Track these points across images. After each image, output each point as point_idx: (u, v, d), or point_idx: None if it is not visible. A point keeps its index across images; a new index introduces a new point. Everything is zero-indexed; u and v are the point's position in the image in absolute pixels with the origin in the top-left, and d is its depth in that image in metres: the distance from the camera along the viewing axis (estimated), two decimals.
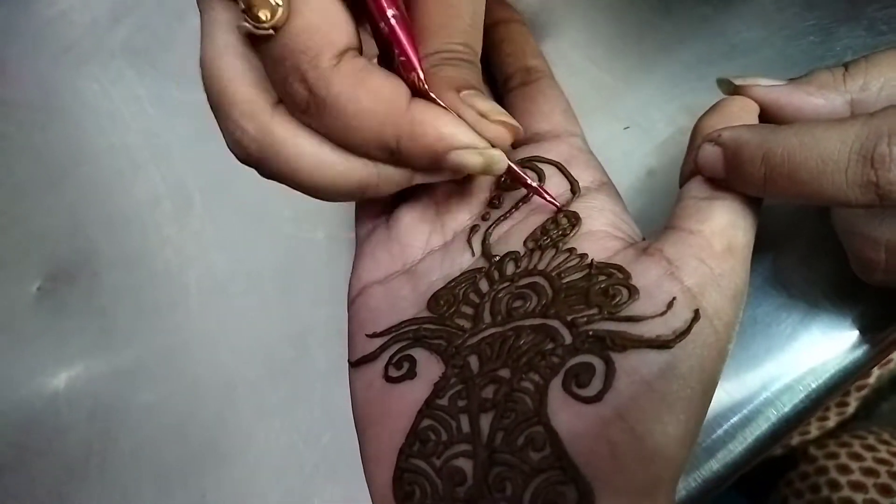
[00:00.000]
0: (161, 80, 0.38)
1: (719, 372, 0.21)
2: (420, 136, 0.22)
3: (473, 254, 0.25)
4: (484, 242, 0.25)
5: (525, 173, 0.25)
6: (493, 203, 0.26)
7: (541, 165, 0.26)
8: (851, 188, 0.19)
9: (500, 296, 0.23)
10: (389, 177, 0.23)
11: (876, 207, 0.20)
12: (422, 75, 0.22)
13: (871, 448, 0.54)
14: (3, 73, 0.39)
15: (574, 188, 0.25)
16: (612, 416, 0.19)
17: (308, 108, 0.21)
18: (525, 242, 0.24)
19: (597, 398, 0.19)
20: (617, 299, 0.21)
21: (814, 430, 0.58)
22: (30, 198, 0.36)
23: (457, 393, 0.21)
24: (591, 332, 0.20)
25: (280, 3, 0.19)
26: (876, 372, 0.53)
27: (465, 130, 0.22)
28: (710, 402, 0.20)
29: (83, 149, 0.38)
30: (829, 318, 0.27)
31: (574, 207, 0.25)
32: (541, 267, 0.23)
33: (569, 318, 0.21)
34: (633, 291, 0.21)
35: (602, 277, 0.21)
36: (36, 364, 0.33)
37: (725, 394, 0.27)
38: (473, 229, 0.26)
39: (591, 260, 0.22)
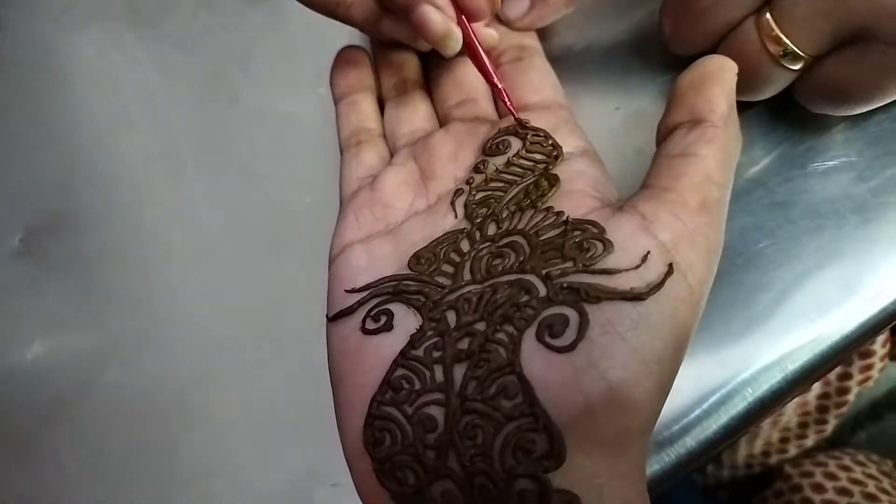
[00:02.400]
0: (162, 44, 0.38)
1: (692, 326, 0.21)
2: None
3: (456, 216, 0.25)
4: (467, 205, 0.25)
5: (492, 69, 0.27)
6: (477, 168, 0.26)
7: (522, 130, 0.26)
8: None
9: (480, 255, 0.23)
10: (362, 4, 0.26)
11: None
12: None
13: (846, 468, 0.54)
14: (3, 31, 0.39)
15: (557, 152, 0.25)
16: (584, 366, 0.19)
17: None
18: (507, 205, 0.25)
19: (570, 348, 0.19)
20: (591, 252, 0.21)
21: (792, 450, 0.58)
22: (21, 153, 0.36)
23: (432, 344, 0.21)
24: (565, 284, 0.20)
25: None
26: (854, 389, 0.53)
27: None
28: (682, 356, 0.20)
29: (80, 109, 0.38)
30: (810, 300, 0.27)
31: (555, 170, 0.25)
32: (520, 227, 0.23)
33: (544, 271, 0.21)
34: (607, 245, 0.21)
35: (577, 232, 0.21)
36: (14, 318, 0.33)
37: (704, 371, 0.27)
38: (457, 192, 0.26)
39: (567, 217, 0.22)
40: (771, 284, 0.27)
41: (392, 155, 0.29)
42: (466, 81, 0.30)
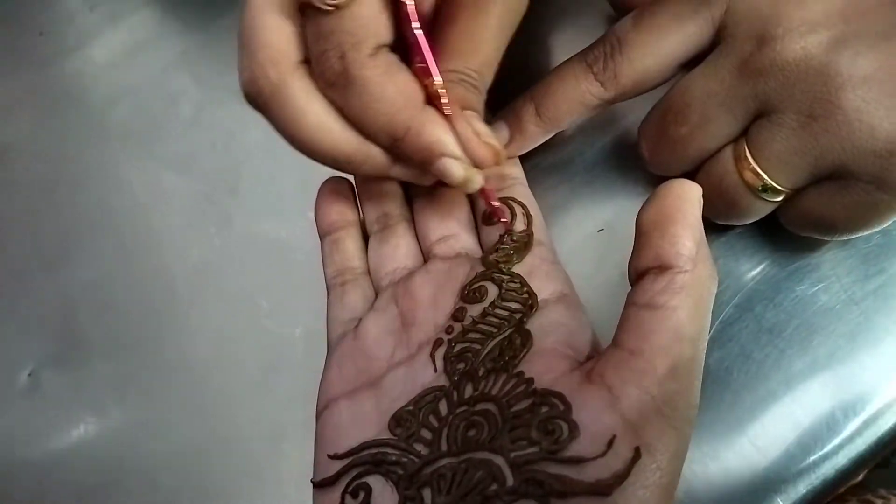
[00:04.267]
0: (153, 164, 0.39)
1: None
2: (424, 134, 0.24)
3: (436, 369, 0.26)
4: (446, 358, 0.26)
5: (500, 208, 0.28)
6: (455, 316, 0.27)
7: (499, 276, 0.26)
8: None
9: (456, 422, 0.23)
10: (374, 160, 0.26)
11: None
12: (438, 80, 0.24)
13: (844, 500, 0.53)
14: (5, 153, 0.41)
15: (532, 301, 0.25)
16: None
17: (336, 81, 0.23)
18: (483, 361, 0.25)
19: None
20: (557, 436, 0.20)
21: None
22: (22, 284, 0.38)
23: None
24: (531, 476, 0.20)
25: None
26: None
27: (457, 147, 0.25)
28: None
29: (75, 235, 0.39)
30: (803, 434, 0.27)
31: (530, 323, 0.25)
32: (493, 392, 0.23)
33: (512, 455, 0.21)
34: (573, 428, 0.20)
35: (545, 409, 0.21)
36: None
37: None
38: (437, 343, 0.26)
39: (534, 388, 0.22)
40: (760, 416, 0.27)
41: (377, 293, 0.30)
42: (448, 215, 0.30)
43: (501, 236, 0.28)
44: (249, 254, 0.35)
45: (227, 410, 0.33)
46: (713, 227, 0.29)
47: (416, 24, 0.24)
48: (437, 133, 0.25)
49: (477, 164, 0.26)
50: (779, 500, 0.26)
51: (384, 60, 0.24)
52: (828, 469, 0.26)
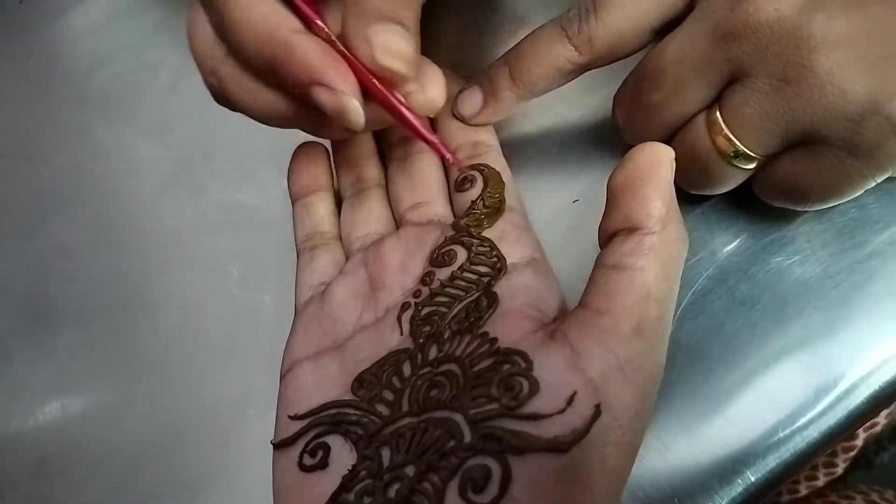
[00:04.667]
0: (130, 132, 0.39)
1: (626, 468, 0.20)
2: (290, 64, 0.22)
3: (402, 333, 0.25)
4: (412, 322, 0.25)
5: (422, 124, 0.25)
6: (424, 280, 0.26)
7: (469, 239, 0.26)
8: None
9: (419, 383, 0.23)
10: (303, 115, 0.25)
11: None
12: (319, 22, 0.23)
13: (849, 498, 0.53)
14: None
15: (501, 265, 0.25)
16: None
17: (220, 30, 0.24)
18: (449, 323, 0.24)
19: None
20: (517, 392, 0.20)
21: (803, 490, 0.56)
22: None
23: (363, 488, 0.21)
24: (489, 432, 0.20)
25: None
26: (862, 435, 0.52)
27: (334, 69, 0.22)
28: (619, 499, 0.20)
29: (52, 197, 0.38)
30: (775, 407, 0.26)
31: (498, 285, 0.24)
32: (457, 353, 0.23)
33: (471, 412, 0.20)
34: (533, 385, 0.20)
35: (506, 366, 0.21)
36: None
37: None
38: (404, 306, 0.26)
39: (498, 346, 0.22)
40: (732, 390, 0.26)
41: (347, 257, 0.29)
42: (421, 182, 0.29)
43: (473, 202, 0.27)
44: (222, 221, 0.35)
45: (195, 377, 0.32)
46: (688, 197, 0.28)
47: None
48: (303, 59, 0.22)
49: (387, 84, 0.23)
50: (749, 473, 0.26)
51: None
52: (798, 442, 0.26)
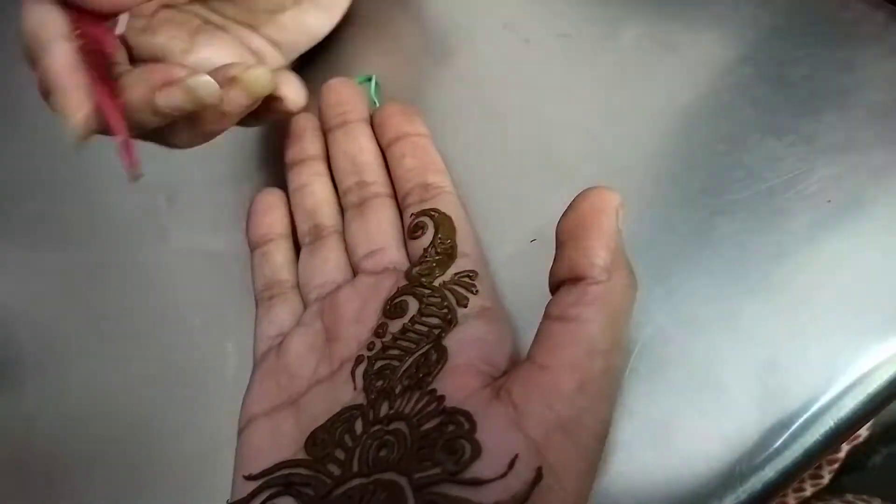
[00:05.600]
0: (94, 176, 0.39)
1: None
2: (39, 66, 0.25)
3: (356, 387, 0.25)
4: (366, 375, 0.25)
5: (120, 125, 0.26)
6: (377, 332, 0.26)
7: (420, 290, 0.26)
8: None
9: (369, 442, 0.23)
10: None
11: None
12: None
13: None
14: None
15: (451, 316, 0.25)
16: None
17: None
18: (401, 378, 0.24)
19: None
20: (459, 456, 0.20)
21: (791, 501, 0.57)
22: None
23: None
24: (431, 499, 0.20)
25: None
26: (845, 447, 0.52)
27: (70, 80, 0.24)
28: None
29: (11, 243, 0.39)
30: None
31: (448, 338, 0.24)
32: (406, 410, 0.23)
33: (416, 476, 0.21)
34: (475, 448, 0.20)
35: (451, 427, 0.21)
36: None
37: None
38: (358, 360, 0.26)
39: (444, 406, 0.22)
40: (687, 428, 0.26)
41: (305, 306, 0.29)
42: (377, 229, 0.29)
43: (425, 249, 0.27)
44: (184, 267, 0.35)
45: (158, 426, 0.32)
46: (647, 233, 0.28)
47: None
48: (47, 63, 0.24)
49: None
50: None
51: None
52: (755, 483, 0.26)
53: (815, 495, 0.57)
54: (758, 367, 0.27)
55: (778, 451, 0.26)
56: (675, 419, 0.27)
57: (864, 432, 0.51)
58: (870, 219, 0.27)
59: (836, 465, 0.53)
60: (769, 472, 0.26)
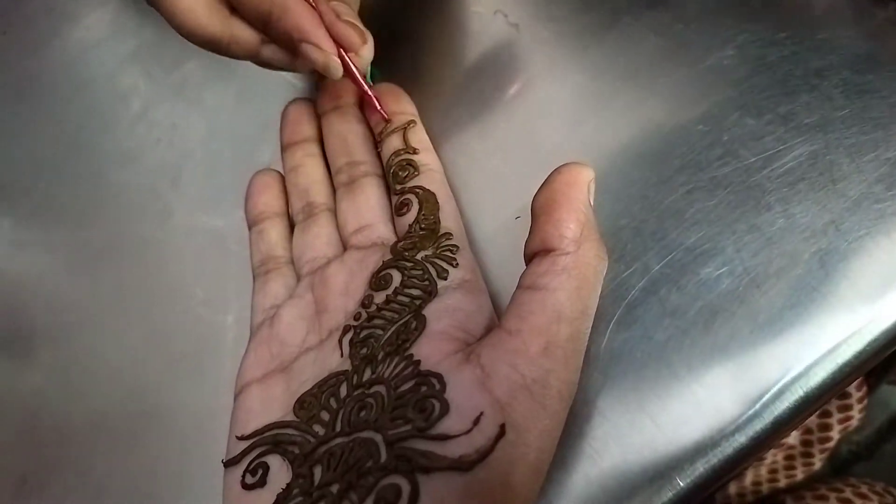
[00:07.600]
0: (99, 160, 0.41)
1: (534, 487, 0.21)
2: (286, 19, 0.27)
3: (342, 354, 0.27)
4: (352, 343, 0.27)
5: (366, 84, 0.31)
6: (364, 303, 0.27)
7: (403, 263, 0.27)
8: None
9: (351, 404, 0.24)
10: (241, 42, 0.29)
11: None
12: None
13: (846, 501, 0.53)
14: None
15: (432, 288, 0.26)
16: None
17: None
18: (383, 346, 0.25)
19: None
20: (429, 413, 0.21)
21: (783, 480, 0.57)
22: None
23: None
24: (401, 452, 0.21)
25: None
26: (836, 430, 0.52)
27: (319, 32, 0.28)
28: None
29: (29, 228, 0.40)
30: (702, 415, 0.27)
31: (427, 308, 0.26)
32: (386, 375, 0.24)
33: (389, 432, 0.22)
34: (443, 406, 0.21)
35: (424, 388, 0.22)
36: None
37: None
38: (345, 329, 0.27)
39: (419, 369, 0.23)
40: (661, 397, 0.27)
41: (298, 280, 0.31)
42: (366, 206, 0.31)
43: (410, 225, 0.29)
44: (187, 245, 0.37)
45: (160, 396, 0.34)
46: (622, 213, 0.29)
47: None
48: (296, 18, 0.27)
49: (344, 47, 0.28)
50: (678, 478, 0.27)
51: None
52: (726, 448, 0.27)
53: (822, 479, 0.57)
54: (732, 341, 0.28)
55: (749, 420, 0.27)
56: (652, 389, 0.28)
57: (856, 414, 0.52)
58: (843, 196, 0.28)
59: (828, 444, 0.53)
60: (740, 438, 0.27)
